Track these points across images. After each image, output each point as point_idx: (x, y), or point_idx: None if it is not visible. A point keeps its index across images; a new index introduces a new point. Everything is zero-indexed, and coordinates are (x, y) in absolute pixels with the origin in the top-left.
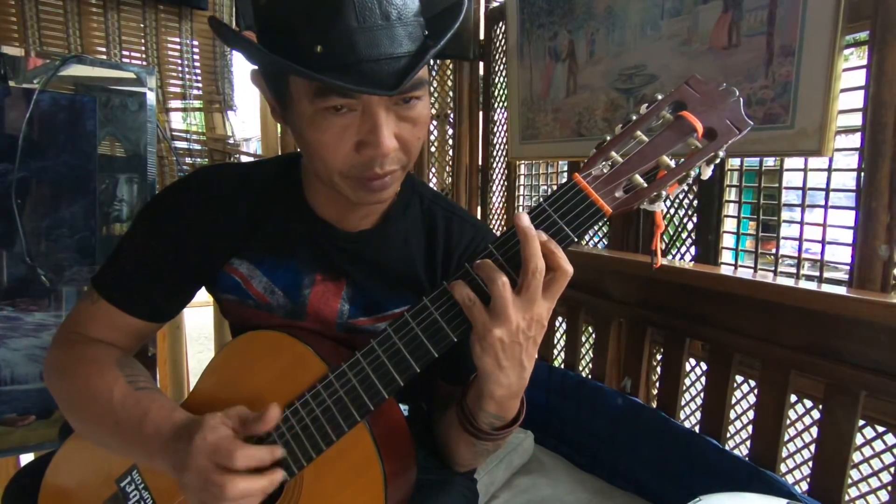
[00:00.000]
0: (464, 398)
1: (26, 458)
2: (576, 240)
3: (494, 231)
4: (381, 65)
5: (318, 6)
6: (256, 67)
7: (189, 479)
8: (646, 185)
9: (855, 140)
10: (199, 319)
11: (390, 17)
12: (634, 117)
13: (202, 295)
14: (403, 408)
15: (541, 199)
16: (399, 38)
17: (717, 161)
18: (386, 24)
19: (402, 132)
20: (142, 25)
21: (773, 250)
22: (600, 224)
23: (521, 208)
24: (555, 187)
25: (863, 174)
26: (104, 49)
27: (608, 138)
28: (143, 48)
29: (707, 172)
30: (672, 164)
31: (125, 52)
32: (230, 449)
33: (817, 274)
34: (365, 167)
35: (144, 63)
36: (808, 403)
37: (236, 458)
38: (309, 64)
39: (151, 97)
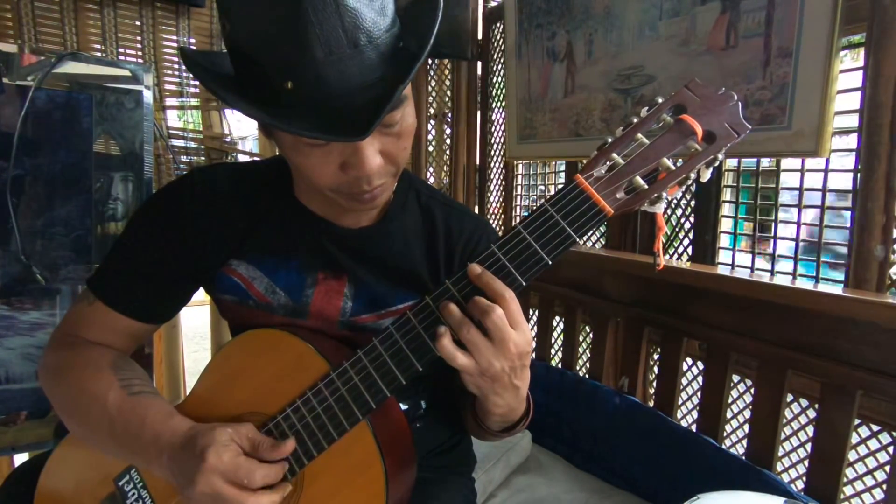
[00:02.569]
0: (473, 405)
1: (20, 459)
2: (578, 240)
3: None
4: (354, 98)
5: (282, 38)
6: None
7: (198, 494)
8: (646, 186)
9: (851, 141)
10: (195, 319)
11: (359, 44)
12: (635, 120)
13: (199, 294)
14: (403, 406)
15: (543, 200)
16: (370, 63)
17: (716, 164)
18: (354, 52)
19: (387, 147)
20: (138, 23)
21: (770, 250)
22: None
23: (518, 208)
24: (552, 187)
25: (859, 175)
26: (100, 46)
27: (609, 140)
28: (139, 45)
29: (706, 175)
30: (672, 166)
31: (121, 50)
32: (250, 469)
33: (813, 274)
34: (352, 185)
35: (141, 60)
36: (805, 402)
37: (256, 477)
38: (280, 100)
39: (148, 95)
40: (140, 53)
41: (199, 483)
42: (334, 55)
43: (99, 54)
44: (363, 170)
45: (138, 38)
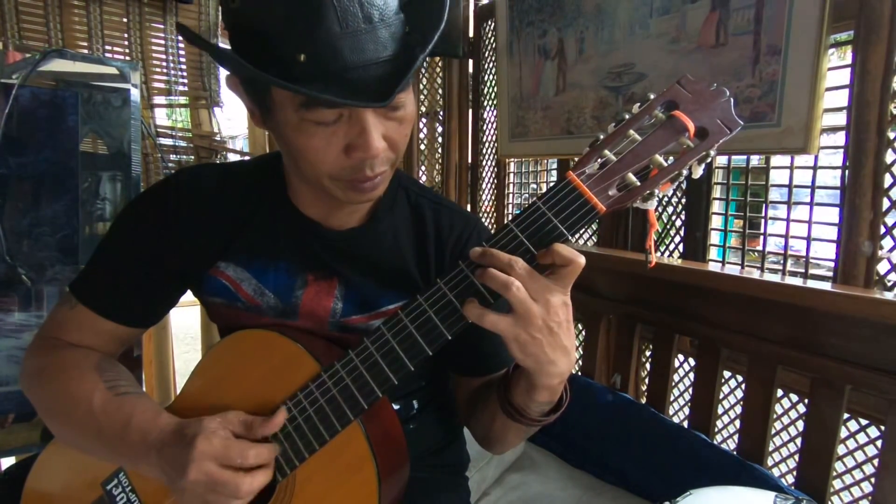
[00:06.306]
0: (509, 395)
1: (7, 462)
2: (570, 237)
3: None
4: (368, 70)
5: (298, 11)
6: (230, 73)
7: (191, 483)
8: (639, 183)
9: (839, 138)
10: (185, 319)
11: (373, 20)
12: (627, 116)
13: (189, 295)
14: (395, 406)
15: (535, 197)
16: (383, 40)
17: (708, 160)
18: (369, 28)
19: (389, 132)
20: (125, 20)
21: (759, 247)
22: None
23: (510, 206)
24: (544, 185)
25: (847, 172)
26: (86, 43)
27: (601, 137)
28: (126, 43)
29: (698, 171)
30: (664, 162)
31: (108, 47)
32: (241, 449)
33: (802, 270)
34: (355, 170)
35: (128, 58)
36: (794, 398)
37: (249, 456)
38: (291, 73)
39: (135, 93)
40: (127, 50)
41: (190, 471)
42: (349, 29)
43: (85, 51)
44: (369, 151)
45: (125, 35)
